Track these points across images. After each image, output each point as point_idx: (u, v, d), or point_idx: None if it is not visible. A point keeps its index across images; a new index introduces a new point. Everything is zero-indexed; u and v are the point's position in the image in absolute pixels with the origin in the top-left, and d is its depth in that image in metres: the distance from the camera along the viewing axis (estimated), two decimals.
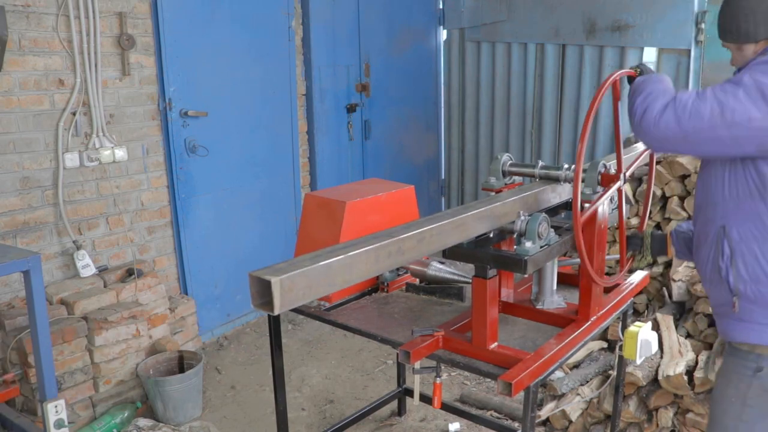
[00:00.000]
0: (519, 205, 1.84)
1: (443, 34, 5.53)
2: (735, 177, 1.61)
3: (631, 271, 2.40)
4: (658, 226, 3.43)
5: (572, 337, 1.92)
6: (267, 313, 1.21)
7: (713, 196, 1.66)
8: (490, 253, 1.79)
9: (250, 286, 1.17)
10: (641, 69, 1.82)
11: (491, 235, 1.88)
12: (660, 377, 2.61)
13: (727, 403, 1.71)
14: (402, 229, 1.44)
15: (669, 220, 3.35)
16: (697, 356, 2.74)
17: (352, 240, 1.37)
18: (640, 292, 3.21)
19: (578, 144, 1.70)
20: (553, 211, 2.08)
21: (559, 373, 3.01)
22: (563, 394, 2.91)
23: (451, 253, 1.79)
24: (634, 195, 3.57)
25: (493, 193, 2.04)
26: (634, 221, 3.44)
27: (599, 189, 1.92)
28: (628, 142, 4.24)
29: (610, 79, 1.74)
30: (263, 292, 1.15)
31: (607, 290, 2.22)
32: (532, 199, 1.92)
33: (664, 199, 3.42)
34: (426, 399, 2.55)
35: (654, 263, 3.28)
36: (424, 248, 1.48)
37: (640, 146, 2.23)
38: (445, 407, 2.93)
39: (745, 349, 1.66)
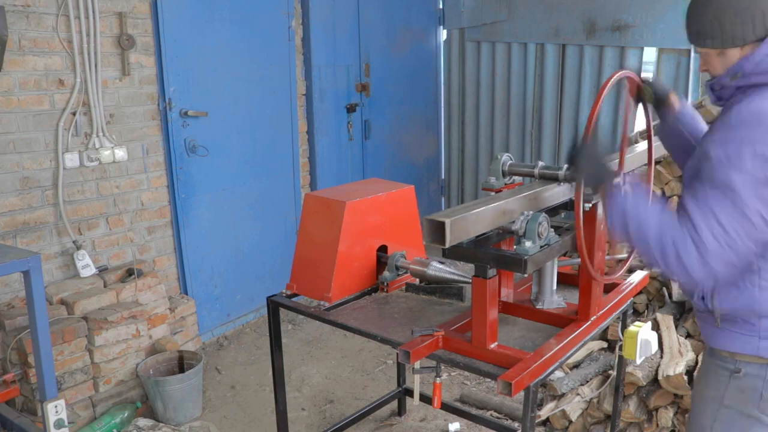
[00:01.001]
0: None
1: (443, 34, 5.53)
2: None
3: (630, 271, 2.40)
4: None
5: (572, 337, 1.92)
6: (439, 246, 1.59)
7: None
8: (490, 253, 1.79)
9: (425, 227, 1.59)
10: (652, 87, 1.74)
11: (491, 235, 1.88)
12: (660, 377, 2.61)
13: (704, 403, 1.71)
14: (509, 194, 1.85)
15: None
16: (697, 356, 2.74)
17: (493, 195, 1.85)
18: (640, 292, 3.21)
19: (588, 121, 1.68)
20: (553, 211, 2.08)
21: (559, 373, 3.01)
22: (563, 394, 2.91)
23: (451, 253, 1.79)
24: None
25: (493, 193, 2.04)
26: None
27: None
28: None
29: (611, 80, 1.73)
30: (437, 230, 1.56)
31: (607, 290, 2.22)
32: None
33: (664, 199, 3.42)
34: (426, 399, 2.55)
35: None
36: (537, 204, 1.90)
37: (638, 147, 2.23)
38: (445, 407, 2.93)
39: (725, 354, 1.66)
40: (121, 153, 3.36)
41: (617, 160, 1.93)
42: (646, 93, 1.81)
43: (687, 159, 1.76)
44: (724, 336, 1.64)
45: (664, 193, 3.41)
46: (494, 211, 1.74)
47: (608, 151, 1.69)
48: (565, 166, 1.98)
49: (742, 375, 1.62)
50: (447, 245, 1.54)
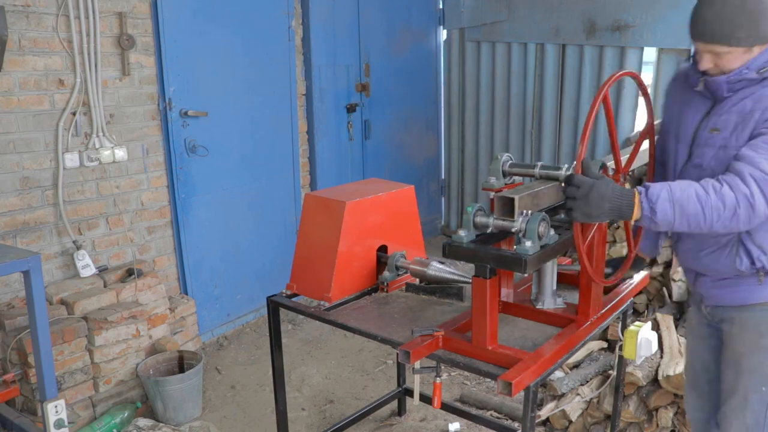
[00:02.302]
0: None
1: (443, 34, 5.53)
2: None
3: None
4: None
5: (572, 336, 1.92)
6: (508, 222, 1.77)
7: None
8: (490, 253, 1.79)
9: (495, 203, 1.83)
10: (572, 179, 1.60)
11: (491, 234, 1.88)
12: (660, 377, 2.61)
13: (764, 353, 1.78)
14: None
15: None
16: None
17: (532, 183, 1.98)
18: (640, 292, 3.21)
19: (579, 145, 1.69)
20: (553, 210, 2.08)
21: (559, 373, 3.01)
22: (563, 394, 2.91)
23: (451, 253, 1.79)
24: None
25: (493, 194, 2.04)
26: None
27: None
28: (627, 143, 4.25)
29: (611, 81, 1.73)
30: (507, 206, 1.79)
31: (607, 290, 2.22)
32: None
33: None
34: (426, 399, 2.55)
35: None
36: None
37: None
38: (445, 407, 2.93)
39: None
40: (121, 153, 3.36)
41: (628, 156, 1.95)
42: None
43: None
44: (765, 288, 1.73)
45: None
46: (544, 192, 1.92)
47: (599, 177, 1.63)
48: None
49: None
50: (515, 219, 1.73)
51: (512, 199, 1.76)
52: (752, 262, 1.74)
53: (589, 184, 1.56)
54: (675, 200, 1.53)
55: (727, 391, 1.87)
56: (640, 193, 1.57)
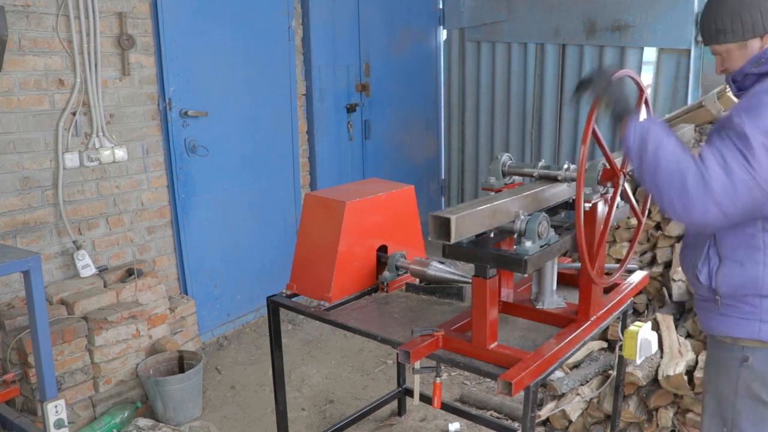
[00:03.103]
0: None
1: (443, 34, 5.53)
2: None
3: (630, 272, 2.40)
4: (657, 226, 3.43)
5: (572, 336, 1.92)
6: (444, 243, 1.61)
7: None
8: (490, 253, 1.79)
9: (431, 224, 1.60)
10: (606, 97, 1.62)
11: (491, 235, 1.88)
12: (660, 377, 2.61)
13: (720, 394, 1.74)
14: (523, 188, 1.90)
15: (669, 220, 3.35)
16: (697, 356, 2.74)
17: (495, 194, 1.85)
18: (640, 292, 3.20)
19: (581, 145, 1.69)
20: (553, 211, 2.08)
21: (559, 373, 3.01)
22: (563, 394, 2.91)
23: (451, 253, 1.79)
24: (633, 195, 3.56)
25: (493, 193, 2.04)
26: (634, 221, 3.44)
27: (599, 188, 1.92)
28: None
29: (594, 112, 1.71)
30: (442, 227, 1.57)
31: (607, 290, 2.22)
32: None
33: None
34: (426, 399, 2.55)
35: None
36: (536, 204, 1.91)
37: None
38: (445, 407, 2.93)
39: (728, 342, 1.68)
40: (121, 153, 3.36)
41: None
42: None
43: None
44: (726, 322, 1.67)
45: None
46: (497, 209, 1.75)
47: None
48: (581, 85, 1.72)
49: (750, 363, 1.65)
50: (452, 241, 1.56)
51: (448, 220, 1.55)
52: (709, 278, 1.67)
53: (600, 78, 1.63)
54: (640, 134, 1.55)
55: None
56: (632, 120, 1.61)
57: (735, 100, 1.76)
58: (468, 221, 1.63)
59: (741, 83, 1.65)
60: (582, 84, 1.67)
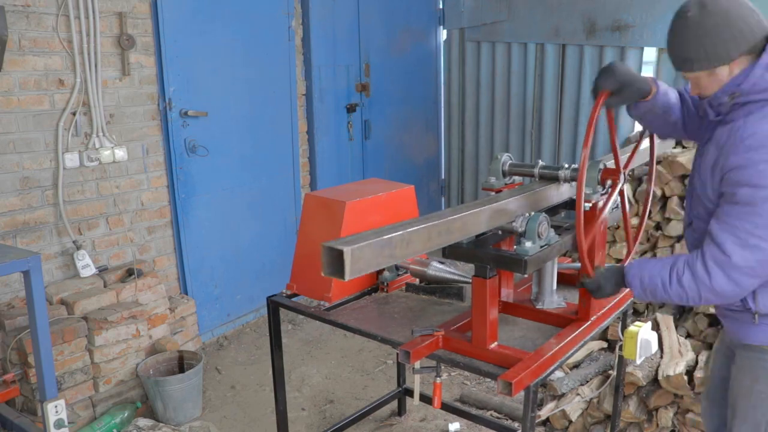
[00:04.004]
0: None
1: (443, 34, 5.53)
2: None
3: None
4: (657, 226, 3.43)
5: (572, 336, 1.92)
6: (338, 279, 1.33)
7: None
8: (490, 253, 1.79)
9: (323, 256, 1.30)
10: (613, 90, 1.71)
11: (491, 234, 1.88)
12: (660, 377, 2.61)
13: (756, 398, 1.73)
14: (449, 212, 1.61)
15: (669, 220, 3.35)
16: (697, 356, 2.74)
17: (408, 219, 1.54)
18: None
19: (582, 147, 1.70)
20: (553, 210, 2.08)
21: (559, 373, 3.01)
22: (563, 394, 2.91)
23: (451, 253, 1.79)
24: (634, 195, 3.57)
25: (493, 193, 2.04)
26: (634, 221, 3.44)
27: (599, 188, 1.92)
28: (627, 142, 4.24)
29: (600, 102, 1.72)
30: (335, 261, 1.28)
31: None
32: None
33: (664, 199, 3.42)
34: (426, 399, 2.55)
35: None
36: (466, 230, 1.65)
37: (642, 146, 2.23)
38: (445, 407, 2.93)
39: (767, 347, 1.68)
40: (121, 153, 3.36)
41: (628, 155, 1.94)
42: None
43: (665, 129, 1.88)
44: (765, 331, 1.67)
45: (664, 193, 3.41)
46: (415, 236, 1.45)
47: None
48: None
49: None
50: (347, 278, 1.28)
51: (341, 253, 1.27)
52: (743, 302, 1.68)
53: (598, 282, 1.81)
54: (645, 287, 1.68)
55: (729, 429, 1.87)
56: (625, 275, 1.75)
57: None
58: (368, 253, 1.33)
59: (717, 109, 1.61)
60: (596, 83, 1.73)
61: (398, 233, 1.39)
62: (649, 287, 1.66)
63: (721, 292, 1.56)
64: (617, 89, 1.70)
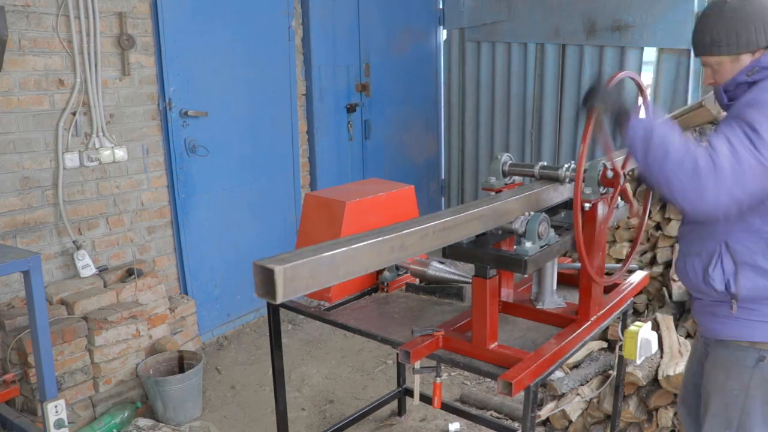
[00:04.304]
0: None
1: (443, 34, 5.53)
2: None
3: (630, 272, 2.40)
4: (657, 226, 3.43)
5: (572, 336, 1.92)
6: (270, 302, 1.23)
7: None
8: (490, 253, 1.79)
9: (254, 275, 1.18)
10: (602, 105, 1.62)
11: (491, 234, 1.88)
12: (660, 377, 2.61)
13: (730, 395, 1.73)
14: (405, 225, 1.46)
15: (669, 220, 3.36)
16: None
17: (355, 234, 1.38)
18: (640, 292, 3.21)
19: (580, 144, 1.70)
20: (553, 210, 2.08)
21: (559, 373, 3.01)
22: (563, 394, 2.91)
23: (451, 253, 1.79)
24: (634, 195, 3.57)
25: (493, 193, 2.04)
26: (634, 221, 3.44)
27: (599, 188, 1.92)
28: None
29: (591, 122, 1.71)
30: (267, 281, 1.16)
31: (607, 290, 2.22)
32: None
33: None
34: (426, 399, 2.55)
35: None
36: (426, 245, 1.50)
37: None
38: (445, 407, 2.93)
39: (743, 345, 1.67)
40: (121, 153, 3.36)
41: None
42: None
43: None
44: (742, 326, 1.67)
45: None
46: (363, 251, 1.32)
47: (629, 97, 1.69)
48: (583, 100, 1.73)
49: (766, 363, 1.65)
50: (278, 301, 1.16)
51: (272, 272, 1.15)
52: (725, 284, 1.68)
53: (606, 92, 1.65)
54: (659, 123, 1.57)
55: (701, 425, 1.87)
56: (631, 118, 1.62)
57: None
58: (305, 273, 1.20)
59: (733, 93, 1.67)
60: (586, 96, 1.68)
61: (341, 249, 1.27)
62: (647, 132, 1.55)
63: (703, 190, 1.46)
64: (604, 109, 1.64)
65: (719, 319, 1.72)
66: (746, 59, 1.63)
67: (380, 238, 1.35)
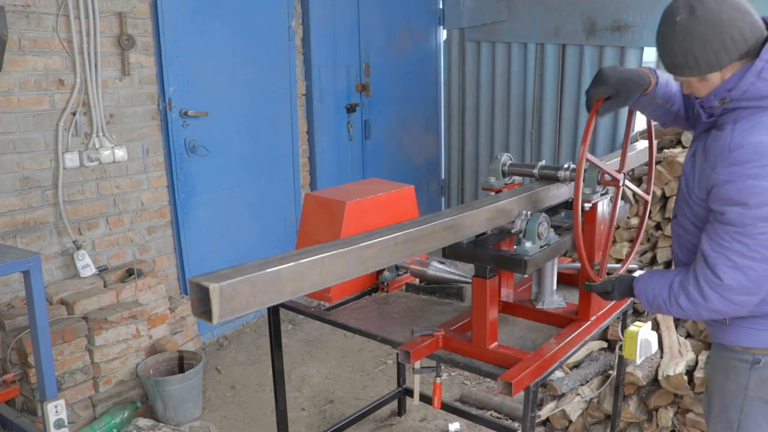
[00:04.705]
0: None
1: (443, 34, 5.53)
2: None
3: (630, 272, 2.40)
4: (657, 226, 3.43)
5: (572, 336, 1.92)
6: (206, 322, 1.11)
7: (697, 231, 1.68)
8: (490, 253, 1.79)
9: (190, 293, 1.11)
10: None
11: (491, 234, 1.88)
12: (660, 377, 2.61)
13: (729, 397, 1.73)
14: (365, 236, 1.38)
15: (669, 219, 3.35)
16: (697, 356, 2.74)
17: (310, 246, 1.28)
18: None
19: (580, 145, 1.70)
20: (553, 210, 2.08)
21: (559, 373, 3.01)
22: (563, 394, 2.91)
23: (451, 253, 1.79)
24: (633, 195, 3.57)
25: (493, 193, 2.04)
26: (634, 221, 3.44)
27: (599, 188, 1.92)
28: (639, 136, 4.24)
29: (592, 120, 1.72)
30: (203, 300, 1.08)
31: None
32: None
33: (664, 199, 3.42)
34: (426, 399, 2.55)
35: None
36: (388, 258, 1.42)
37: (638, 145, 2.23)
38: (445, 407, 2.93)
39: (739, 349, 1.67)
40: (121, 153, 3.36)
41: (614, 160, 1.93)
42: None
43: (667, 118, 1.85)
44: (736, 332, 1.67)
45: (664, 193, 3.41)
46: (314, 266, 1.23)
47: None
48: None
49: (762, 365, 1.65)
50: (215, 322, 1.08)
51: (207, 290, 1.06)
52: None
53: (606, 289, 1.86)
54: (651, 303, 1.69)
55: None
56: (633, 288, 1.77)
57: None
58: (245, 291, 1.12)
59: (708, 111, 1.58)
60: (589, 90, 1.70)
61: (288, 265, 1.17)
62: (654, 304, 1.68)
63: (720, 311, 1.56)
64: (613, 94, 1.67)
65: (715, 323, 1.72)
66: (714, 77, 1.50)
67: (335, 251, 1.26)
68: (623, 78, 1.68)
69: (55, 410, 2.42)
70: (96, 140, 3.27)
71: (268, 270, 1.15)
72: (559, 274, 2.18)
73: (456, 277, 2.28)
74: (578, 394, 2.85)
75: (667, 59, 1.53)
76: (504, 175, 2.12)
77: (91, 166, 3.28)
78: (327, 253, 1.25)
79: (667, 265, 3.34)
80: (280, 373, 2.45)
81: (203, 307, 1.08)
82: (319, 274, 1.24)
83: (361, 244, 1.32)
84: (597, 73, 1.69)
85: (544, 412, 2.90)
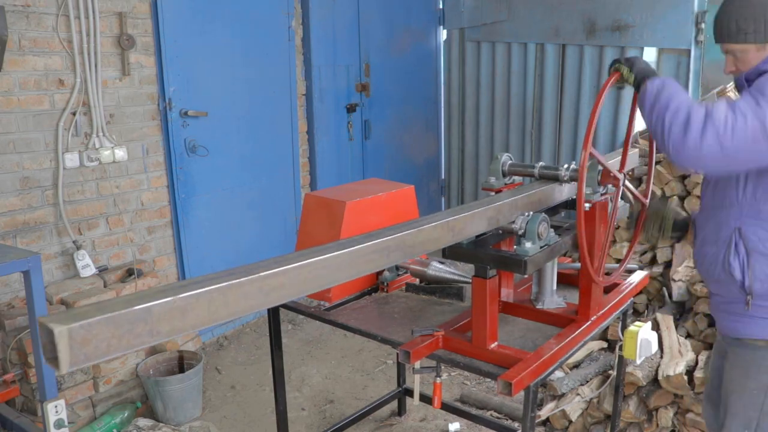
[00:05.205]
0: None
1: (443, 34, 5.53)
2: (754, 180, 1.62)
3: (629, 272, 2.40)
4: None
5: (572, 336, 1.92)
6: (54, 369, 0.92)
7: (728, 199, 1.68)
8: (489, 254, 1.79)
9: (40, 335, 0.91)
10: (627, 66, 1.71)
11: (491, 234, 1.88)
12: (660, 377, 2.61)
13: (748, 395, 1.72)
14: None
15: None
16: (697, 356, 2.74)
17: (198, 277, 1.07)
18: (640, 292, 3.21)
19: (582, 145, 1.70)
20: (553, 210, 2.08)
21: (559, 373, 3.01)
22: (563, 394, 2.91)
23: (451, 253, 1.79)
24: (634, 195, 3.56)
25: (493, 193, 2.04)
26: None
27: (599, 188, 1.92)
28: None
29: (611, 81, 1.74)
30: (51, 343, 0.88)
31: (607, 290, 2.22)
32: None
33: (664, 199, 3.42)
34: (426, 399, 2.55)
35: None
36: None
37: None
38: (445, 407, 2.93)
39: (760, 344, 1.67)
40: (121, 153, 3.36)
41: (620, 158, 1.93)
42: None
43: None
44: (757, 324, 1.67)
45: (664, 193, 3.41)
46: (200, 301, 1.01)
47: None
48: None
49: None
50: (63, 372, 0.90)
51: (51, 332, 0.87)
52: (742, 273, 1.68)
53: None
54: (656, 92, 1.61)
55: (721, 425, 1.88)
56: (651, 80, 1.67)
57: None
58: (105, 333, 0.92)
59: (754, 82, 1.62)
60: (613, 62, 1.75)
61: (164, 300, 0.97)
62: (663, 85, 1.61)
63: (683, 132, 1.50)
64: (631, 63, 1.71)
65: (735, 317, 1.72)
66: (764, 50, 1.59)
67: (226, 283, 1.04)
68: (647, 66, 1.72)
69: (55, 410, 2.43)
70: (96, 140, 3.27)
71: (137, 308, 0.95)
72: (559, 274, 2.18)
73: (456, 277, 2.28)
74: (578, 394, 2.85)
75: (732, 25, 1.60)
76: (504, 175, 2.11)
77: (91, 166, 3.28)
78: (217, 285, 1.03)
79: (667, 265, 3.34)
80: (280, 373, 2.45)
81: (52, 352, 0.88)
82: (206, 312, 1.03)
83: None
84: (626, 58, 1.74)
85: (544, 412, 2.90)
